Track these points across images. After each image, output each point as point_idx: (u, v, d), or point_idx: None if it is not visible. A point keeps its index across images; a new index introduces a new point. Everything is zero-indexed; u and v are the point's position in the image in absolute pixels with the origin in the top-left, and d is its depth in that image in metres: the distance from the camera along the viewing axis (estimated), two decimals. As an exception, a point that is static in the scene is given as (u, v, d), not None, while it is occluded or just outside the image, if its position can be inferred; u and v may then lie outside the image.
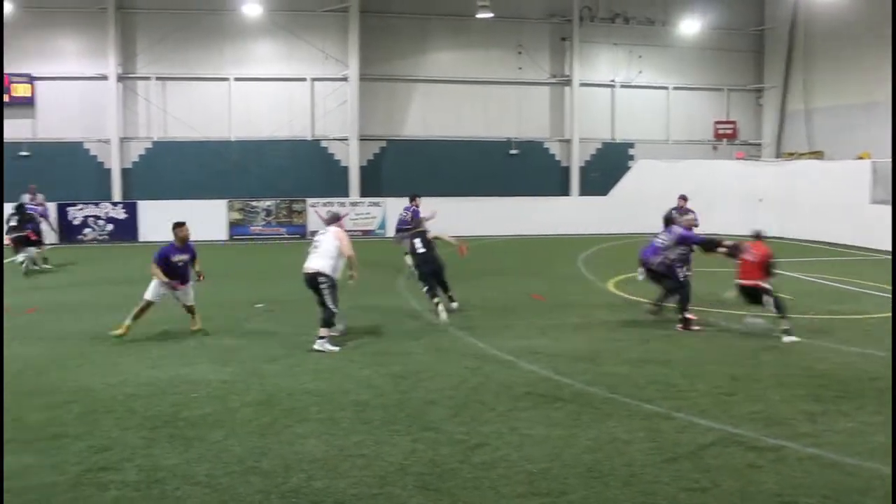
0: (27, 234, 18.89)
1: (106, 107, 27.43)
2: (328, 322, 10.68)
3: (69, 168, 27.43)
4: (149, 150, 28.09)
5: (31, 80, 27.05)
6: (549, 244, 24.75)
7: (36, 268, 18.80)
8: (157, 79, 27.92)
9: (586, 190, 29.89)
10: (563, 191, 30.19)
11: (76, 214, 26.69)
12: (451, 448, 6.76)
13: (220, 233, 26.83)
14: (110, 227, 26.73)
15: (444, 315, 12.42)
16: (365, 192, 28.27)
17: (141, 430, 7.28)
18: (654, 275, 12.54)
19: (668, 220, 13.23)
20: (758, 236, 11.81)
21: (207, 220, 26.60)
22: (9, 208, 19.76)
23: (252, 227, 27.29)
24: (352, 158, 28.36)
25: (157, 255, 11.46)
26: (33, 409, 7.89)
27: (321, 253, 10.91)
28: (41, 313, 13.45)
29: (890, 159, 21.22)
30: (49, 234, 22.80)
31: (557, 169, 30.35)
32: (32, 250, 18.81)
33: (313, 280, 10.81)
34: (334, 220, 11.58)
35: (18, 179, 25.02)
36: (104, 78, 27.30)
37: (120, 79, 27.49)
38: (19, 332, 11.83)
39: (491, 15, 27.23)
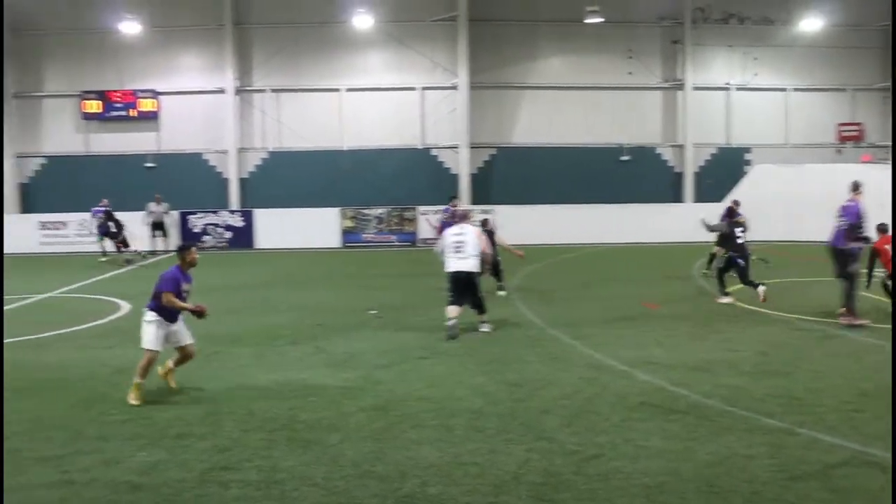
0: (124, 237, 23.37)
1: (224, 119, 28.55)
2: (483, 307, 12.19)
3: (190, 178, 28.70)
4: (264, 160, 29.04)
5: (155, 95, 28.48)
6: (662, 252, 24.20)
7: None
8: (272, 91, 28.85)
9: (701, 196, 29.11)
10: (677, 197, 29.52)
11: (196, 222, 27.85)
12: (566, 458, 6.66)
13: (333, 240, 27.46)
14: (228, 234, 27.76)
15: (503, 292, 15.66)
16: (475, 200, 28.34)
17: (260, 431, 7.49)
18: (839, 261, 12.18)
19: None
20: (885, 230, 13.08)
21: (321, 227, 27.44)
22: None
23: (364, 235, 27.79)
24: (462, 166, 28.54)
25: (167, 281, 8.80)
26: (161, 408, 8.29)
27: (470, 253, 11.95)
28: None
29: None
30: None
31: (670, 175, 29.72)
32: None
33: (469, 280, 11.96)
34: (465, 217, 12.72)
35: (145, 189, 26.64)
36: (222, 91, 28.43)
37: (237, 92, 28.56)
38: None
39: (600, 20, 26.96)
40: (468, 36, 27.98)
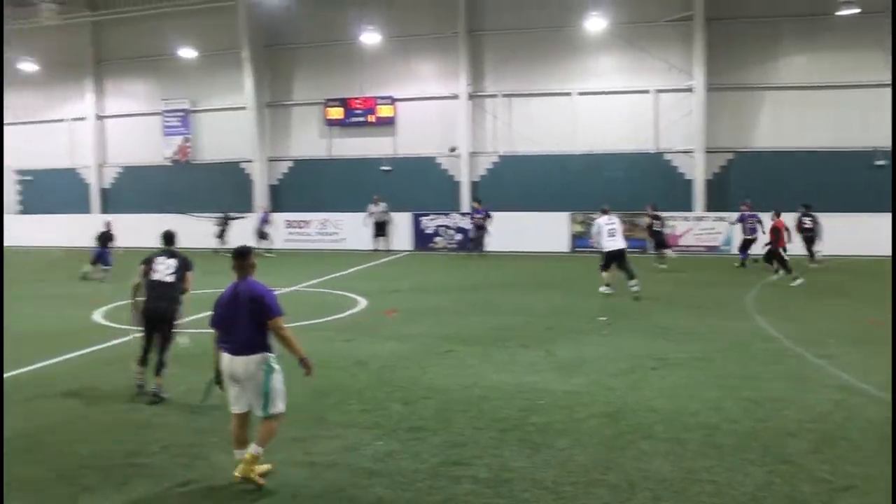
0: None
1: (457, 124, 29.29)
2: (634, 273, 16.14)
3: (423, 181, 29.75)
4: (495, 163, 29.48)
5: (392, 101, 29.79)
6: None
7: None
8: (504, 96, 29.19)
9: (970, 205, 26.03)
10: (940, 206, 26.55)
11: (428, 224, 28.83)
12: (813, 486, 6.15)
13: (562, 244, 27.36)
14: (459, 236, 28.47)
15: None
16: (710, 207, 27.16)
17: (491, 430, 7.58)
18: None
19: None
20: (779, 214, 19.58)
21: (550, 231, 27.44)
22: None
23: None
24: (696, 171, 27.40)
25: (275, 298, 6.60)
26: (395, 402, 8.60)
27: (620, 234, 16.41)
28: (401, 314, 14.70)
29: None
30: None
31: (934, 181, 26.83)
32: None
33: (623, 254, 16.25)
34: (607, 211, 16.80)
35: (380, 191, 28.20)
36: (455, 97, 29.17)
37: (470, 97, 29.17)
38: (381, 331, 12.97)
39: (855, 11, 24.75)
40: (704, 36, 26.86)
